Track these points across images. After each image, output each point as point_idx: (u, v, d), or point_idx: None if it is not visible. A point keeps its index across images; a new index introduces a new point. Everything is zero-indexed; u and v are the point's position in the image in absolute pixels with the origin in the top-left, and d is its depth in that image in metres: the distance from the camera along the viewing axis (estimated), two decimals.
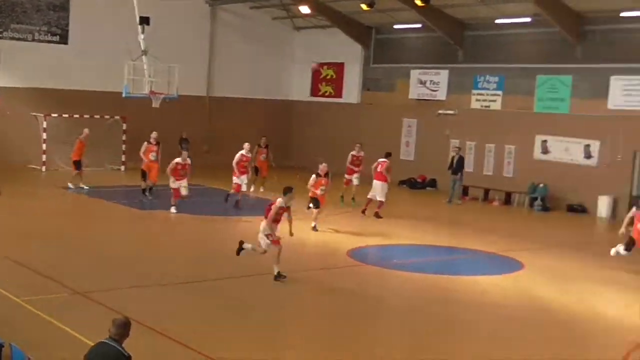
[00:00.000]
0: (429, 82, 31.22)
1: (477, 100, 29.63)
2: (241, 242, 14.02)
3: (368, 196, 21.38)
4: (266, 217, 13.65)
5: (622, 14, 24.93)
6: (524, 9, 26.62)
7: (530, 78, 27.77)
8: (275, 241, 13.58)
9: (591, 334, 11.55)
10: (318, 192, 18.87)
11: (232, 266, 14.03)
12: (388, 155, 22.37)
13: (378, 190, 21.25)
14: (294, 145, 35.80)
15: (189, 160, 20.76)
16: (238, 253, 13.95)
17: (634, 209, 16.13)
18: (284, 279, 13.29)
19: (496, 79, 28.95)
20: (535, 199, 26.62)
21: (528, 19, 27.17)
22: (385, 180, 21.36)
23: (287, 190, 13.87)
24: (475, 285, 14.28)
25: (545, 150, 27.40)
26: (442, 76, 30.76)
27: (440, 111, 30.34)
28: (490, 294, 13.59)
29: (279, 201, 13.71)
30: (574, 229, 23.27)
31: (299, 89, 36.56)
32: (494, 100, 29.06)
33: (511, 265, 16.07)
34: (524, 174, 27.51)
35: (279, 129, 34.63)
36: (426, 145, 30.84)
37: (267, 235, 13.55)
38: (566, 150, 26.75)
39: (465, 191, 27.70)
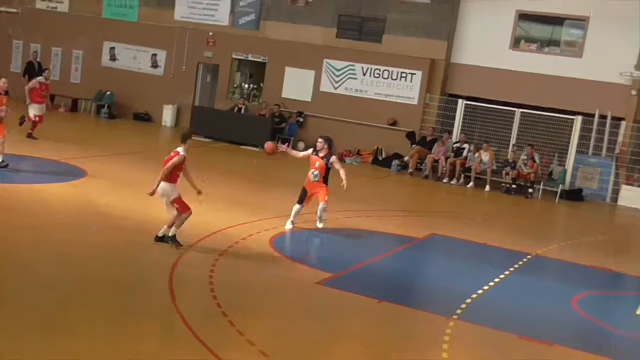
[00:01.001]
0: None
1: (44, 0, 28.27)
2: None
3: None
4: (167, 179, 10.73)
5: None
6: None
7: None
8: (182, 204, 10.87)
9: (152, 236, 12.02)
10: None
11: None
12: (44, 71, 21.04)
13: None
14: None
15: None
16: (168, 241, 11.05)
17: (310, 150, 13.43)
18: (180, 247, 10.90)
19: None
20: (103, 106, 26.61)
21: None
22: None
23: (188, 136, 10.87)
24: (36, 194, 13.90)
25: (113, 57, 27.35)
26: None
27: (1, 9, 28.38)
28: (49, 202, 13.34)
29: (180, 151, 10.71)
30: (139, 137, 23.86)
31: None
32: (62, 2, 28.00)
33: (75, 173, 15.94)
34: (91, 80, 27.23)
35: None
36: None
37: (173, 202, 10.81)
38: (134, 58, 27.05)
39: None
